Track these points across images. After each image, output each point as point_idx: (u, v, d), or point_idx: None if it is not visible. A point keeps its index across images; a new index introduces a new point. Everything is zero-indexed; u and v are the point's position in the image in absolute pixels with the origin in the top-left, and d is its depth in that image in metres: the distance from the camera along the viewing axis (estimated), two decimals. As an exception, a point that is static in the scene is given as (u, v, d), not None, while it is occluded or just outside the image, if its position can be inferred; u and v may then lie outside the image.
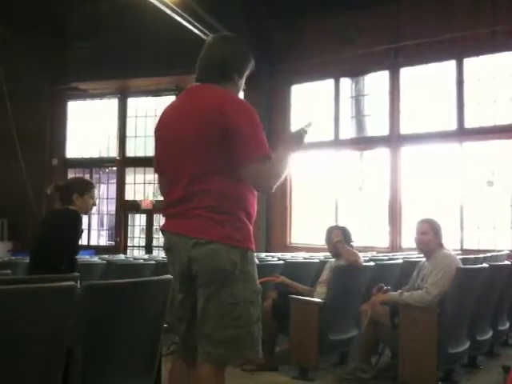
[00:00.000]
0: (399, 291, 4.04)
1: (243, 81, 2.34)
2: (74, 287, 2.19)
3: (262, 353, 2.23)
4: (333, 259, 4.65)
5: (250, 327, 2.14)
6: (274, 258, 6.83)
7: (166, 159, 2.26)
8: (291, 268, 5.17)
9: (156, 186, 13.36)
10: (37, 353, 2.09)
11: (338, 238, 4.43)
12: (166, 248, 2.28)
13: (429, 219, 4.18)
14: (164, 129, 2.28)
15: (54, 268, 3.17)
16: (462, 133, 11.05)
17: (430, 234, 4.04)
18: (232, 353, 2.14)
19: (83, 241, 14.74)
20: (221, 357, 2.12)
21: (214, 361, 2.13)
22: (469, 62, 11.09)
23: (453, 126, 11.18)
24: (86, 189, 3.65)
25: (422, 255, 4.28)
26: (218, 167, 2.11)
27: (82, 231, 3.72)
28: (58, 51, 13.92)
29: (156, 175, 2.43)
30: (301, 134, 2.36)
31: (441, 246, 4.05)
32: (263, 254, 8.04)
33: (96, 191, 3.76)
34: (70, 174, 15.61)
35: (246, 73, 2.34)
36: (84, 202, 3.61)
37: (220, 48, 2.28)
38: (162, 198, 2.44)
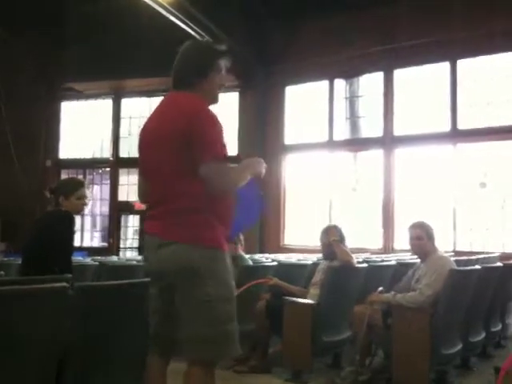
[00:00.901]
0: (392, 292, 4.05)
1: (219, 76, 2.41)
2: (67, 288, 2.19)
3: (240, 349, 2.27)
4: (325, 261, 4.65)
5: (227, 324, 2.19)
6: (267, 259, 6.83)
7: (146, 163, 2.39)
8: (284, 269, 5.17)
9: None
10: (30, 354, 2.08)
11: (335, 237, 4.45)
12: (141, 246, 2.38)
13: (421, 223, 4.19)
14: (144, 134, 2.40)
15: (45, 269, 3.15)
16: (456, 134, 11.09)
17: (424, 239, 4.07)
18: (213, 352, 2.19)
19: (76, 242, 14.69)
20: (204, 357, 2.18)
21: (199, 362, 2.18)
22: (462, 64, 11.13)
23: (446, 127, 11.21)
24: (71, 190, 3.62)
25: (417, 257, 4.31)
26: (187, 172, 2.21)
27: (74, 232, 3.69)
28: (52, 52, 13.86)
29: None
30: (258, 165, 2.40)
31: (435, 248, 4.09)
32: (257, 256, 8.03)
33: (85, 190, 3.72)
34: (64, 175, 15.52)
35: (217, 68, 2.40)
36: (70, 203, 3.58)
37: (182, 57, 2.40)
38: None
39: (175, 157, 2.22)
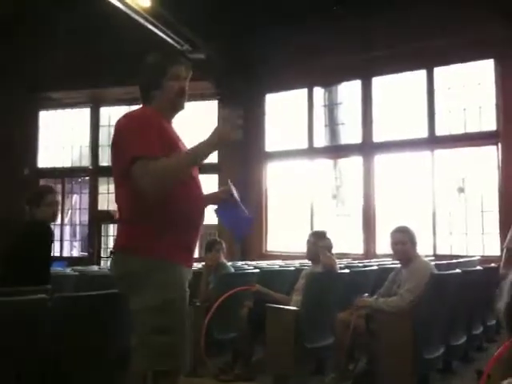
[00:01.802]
0: (374, 297, 4.07)
1: (177, 83, 2.34)
2: (46, 300, 2.15)
3: (186, 365, 2.20)
4: (308, 267, 4.66)
5: (157, 336, 2.11)
6: (249, 266, 6.82)
7: None
8: (267, 276, 5.16)
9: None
10: (9, 366, 2.04)
11: (322, 244, 4.48)
12: None
13: (405, 228, 4.16)
14: None
15: (23, 281, 3.09)
16: (433, 140, 11.24)
17: (407, 244, 4.05)
18: (147, 363, 2.14)
19: (55, 252, 14.49)
20: (139, 365, 2.16)
21: (138, 369, 2.17)
22: (439, 72, 11.30)
23: (424, 133, 11.36)
24: (39, 198, 3.58)
25: (398, 262, 4.31)
26: (122, 184, 2.25)
27: (52, 241, 3.62)
28: (29, 61, 13.71)
29: None
30: (226, 127, 2.24)
31: (417, 254, 4.09)
32: (239, 263, 8.01)
33: (54, 196, 3.67)
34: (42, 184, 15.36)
35: (172, 75, 2.33)
36: (42, 211, 3.54)
37: (139, 73, 2.48)
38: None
39: (115, 171, 2.29)
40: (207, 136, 2.19)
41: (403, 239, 4.07)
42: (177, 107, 2.40)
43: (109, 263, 2.34)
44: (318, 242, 4.50)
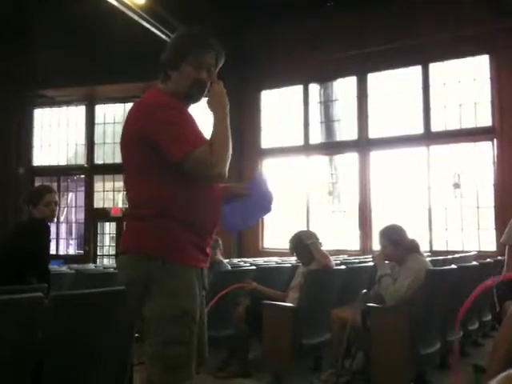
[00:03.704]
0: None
1: (197, 71, 2.10)
2: (41, 298, 2.14)
3: (192, 376, 2.03)
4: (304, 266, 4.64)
5: (174, 347, 1.95)
6: (246, 263, 6.82)
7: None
8: (264, 273, 5.16)
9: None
10: (4, 365, 2.03)
11: (311, 240, 4.42)
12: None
13: (382, 231, 4.06)
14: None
15: (21, 279, 3.09)
16: (429, 136, 11.27)
17: (389, 247, 3.97)
18: (164, 374, 1.95)
19: (51, 250, 14.45)
20: (156, 378, 1.97)
21: (155, 382, 1.98)
22: (434, 67, 11.32)
23: (419, 129, 11.38)
24: (37, 198, 3.57)
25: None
26: (136, 171, 2.04)
27: (50, 240, 3.62)
28: (24, 58, 13.65)
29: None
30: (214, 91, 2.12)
31: (408, 250, 3.96)
32: (235, 260, 8.01)
33: (52, 196, 3.66)
34: (38, 183, 15.29)
35: (194, 61, 2.09)
36: (39, 211, 3.54)
37: (166, 48, 2.19)
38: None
39: (130, 159, 2.06)
40: (214, 106, 2.08)
41: (383, 243, 3.99)
42: (191, 97, 2.14)
43: (116, 264, 2.07)
44: (306, 240, 4.44)
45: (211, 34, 2.20)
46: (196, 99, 2.16)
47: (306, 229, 5.15)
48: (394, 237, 3.98)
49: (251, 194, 2.30)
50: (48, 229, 3.53)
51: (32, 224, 3.51)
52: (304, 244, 4.42)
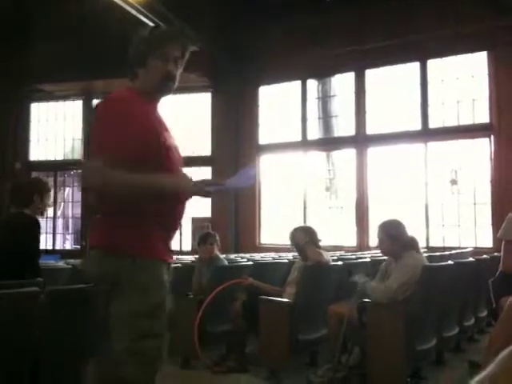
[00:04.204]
0: (366, 278, 4.04)
1: (165, 64, 2.10)
2: (38, 293, 2.14)
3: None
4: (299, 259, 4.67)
5: (148, 341, 1.93)
6: (243, 258, 6.82)
7: None
8: (260, 269, 5.16)
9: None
10: (1, 358, 2.03)
11: (305, 240, 4.44)
12: None
13: (380, 225, 4.07)
14: None
15: (13, 274, 3.07)
16: (426, 133, 11.27)
17: (386, 242, 3.99)
18: (141, 369, 1.93)
19: (48, 245, 14.44)
20: (133, 374, 1.92)
21: (132, 379, 1.93)
22: (432, 64, 11.31)
23: (417, 126, 11.38)
24: (47, 191, 3.55)
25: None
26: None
27: (39, 234, 3.55)
28: (20, 52, 13.60)
29: None
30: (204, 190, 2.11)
31: (406, 247, 3.96)
32: (232, 255, 8.01)
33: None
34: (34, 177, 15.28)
35: (161, 55, 2.10)
36: (44, 204, 3.52)
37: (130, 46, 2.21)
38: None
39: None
40: (176, 179, 2.06)
41: (380, 237, 4.01)
42: (162, 91, 2.15)
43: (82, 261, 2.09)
44: (300, 241, 4.46)
45: (177, 26, 2.19)
46: (167, 92, 2.16)
47: (303, 224, 5.13)
48: (392, 232, 3.99)
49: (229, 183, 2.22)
50: (40, 225, 3.49)
51: (27, 220, 3.44)
52: (299, 244, 4.44)
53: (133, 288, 1.93)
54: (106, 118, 2.00)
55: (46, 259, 7.02)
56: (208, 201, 12.97)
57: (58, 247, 15.01)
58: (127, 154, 1.92)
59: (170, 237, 2.10)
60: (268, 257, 7.74)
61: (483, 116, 10.74)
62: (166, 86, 2.13)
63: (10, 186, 3.63)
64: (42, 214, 3.60)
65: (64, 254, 13.27)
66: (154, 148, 2.01)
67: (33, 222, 3.43)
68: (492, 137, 10.59)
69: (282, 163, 13.02)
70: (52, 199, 3.84)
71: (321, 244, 4.56)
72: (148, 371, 1.96)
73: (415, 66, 11.43)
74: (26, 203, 3.47)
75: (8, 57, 13.51)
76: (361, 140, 11.93)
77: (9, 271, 3.14)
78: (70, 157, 15.34)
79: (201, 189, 2.05)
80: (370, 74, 11.99)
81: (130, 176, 1.92)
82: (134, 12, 10.09)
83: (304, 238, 4.45)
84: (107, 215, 2.00)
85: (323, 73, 12.57)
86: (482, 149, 10.78)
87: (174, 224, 2.11)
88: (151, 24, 10.40)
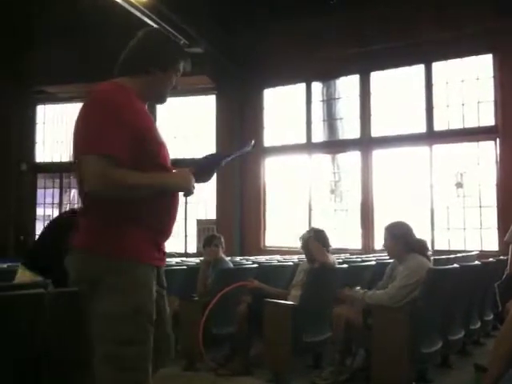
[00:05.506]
0: (363, 290, 4.05)
1: (175, 78, 2.13)
2: (43, 294, 2.14)
3: (148, 378, 1.93)
4: (305, 260, 4.67)
5: (125, 348, 1.86)
6: (248, 261, 6.82)
7: None
8: (266, 271, 5.16)
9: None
10: (5, 361, 2.03)
11: (315, 243, 4.46)
12: None
13: (388, 226, 4.09)
14: None
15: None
16: (432, 135, 11.24)
17: (389, 241, 3.99)
18: (112, 376, 1.86)
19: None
20: (104, 381, 1.87)
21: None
22: (437, 66, 11.29)
23: (422, 128, 11.36)
24: None
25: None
26: None
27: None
28: (25, 54, 13.66)
29: None
30: (213, 166, 2.18)
31: (410, 249, 3.95)
32: (238, 258, 8.01)
33: None
34: (40, 180, 15.34)
35: (176, 68, 2.12)
36: None
37: (143, 42, 2.16)
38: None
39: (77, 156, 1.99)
40: (179, 176, 2.04)
41: (385, 237, 4.03)
42: (159, 100, 2.17)
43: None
44: (309, 244, 4.49)
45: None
46: (164, 101, 2.19)
47: (312, 227, 5.14)
48: (396, 232, 4.01)
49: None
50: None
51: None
52: (307, 247, 4.46)
53: (111, 290, 1.87)
54: (103, 111, 1.93)
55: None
56: (213, 203, 12.99)
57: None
58: (127, 152, 1.87)
59: (159, 239, 2.02)
60: (273, 259, 7.73)
61: (488, 119, 10.70)
62: (163, 99, 2.16)
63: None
64: None
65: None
66: (150, 144, 1.97)
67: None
68: (497, 139, 10.55)
69: (286, 166, 13.01)
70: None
71: (329, 249, 4.57)
72: (123, 380, 1.87)
73: (420, 68, 11.41)
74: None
75: (13, 59, 13.58)
76: (366, 142, 11.91)
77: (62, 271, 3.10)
78: (75, 159, 15.37)
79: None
80: (375, 77, 11.98)
81: (139, 176, 1.88)
82: (138, 14, 10.12)
83: (314, 238, 4.47)
84: (88, 216, 1.94)
85: (328, 75, 12.56)
86: (488, 151, 10.74)
87: (163, 225, 2.03)
88: (155, 26, 10.45)
